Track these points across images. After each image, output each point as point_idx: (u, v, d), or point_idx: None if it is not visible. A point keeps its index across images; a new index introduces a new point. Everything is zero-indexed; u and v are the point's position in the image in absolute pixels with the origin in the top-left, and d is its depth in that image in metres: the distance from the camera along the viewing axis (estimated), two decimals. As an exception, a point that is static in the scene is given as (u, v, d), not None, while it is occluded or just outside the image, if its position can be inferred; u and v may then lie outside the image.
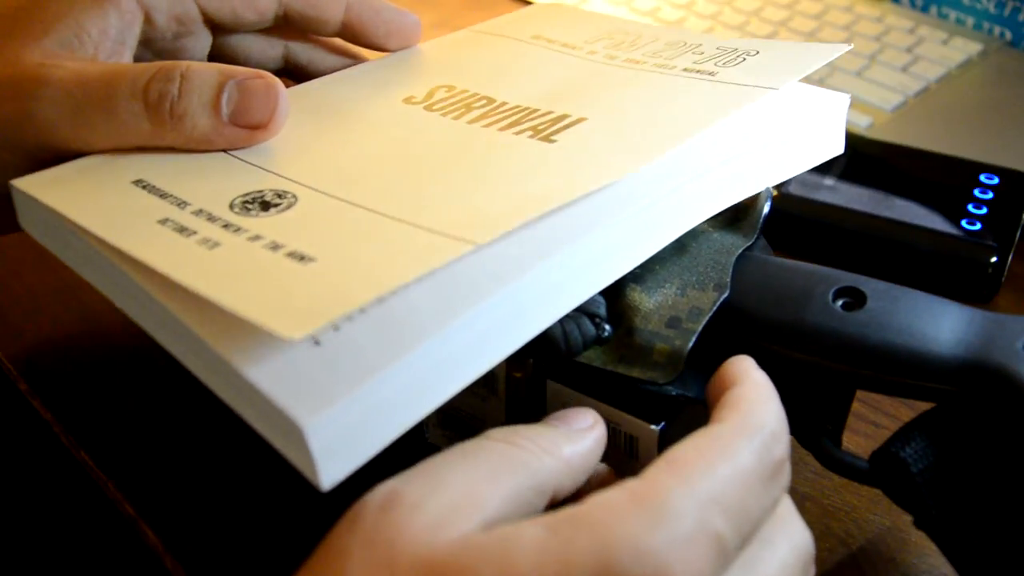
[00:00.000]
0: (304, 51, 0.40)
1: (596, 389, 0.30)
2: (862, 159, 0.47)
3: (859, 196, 0.45)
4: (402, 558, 0.21)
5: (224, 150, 0.31)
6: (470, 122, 0.33)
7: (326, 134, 0.33)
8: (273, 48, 0.39)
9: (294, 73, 0.40)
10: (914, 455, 0.27)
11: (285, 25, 0.38)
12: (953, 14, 0.63)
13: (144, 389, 0.38)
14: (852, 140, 0.36)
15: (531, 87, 0.35)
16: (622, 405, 0.29)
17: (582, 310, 0.29)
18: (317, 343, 0.23)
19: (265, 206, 0.28)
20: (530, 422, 0.32)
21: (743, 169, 0.31)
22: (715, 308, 0.29)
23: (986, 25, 0.62)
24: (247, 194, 0.29)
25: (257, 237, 0.26)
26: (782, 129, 0.33)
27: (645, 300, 0.30)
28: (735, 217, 0.32)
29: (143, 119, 0.30)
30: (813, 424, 0.29)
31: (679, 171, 0.30)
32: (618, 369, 0.29)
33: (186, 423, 0.37)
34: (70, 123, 0.30)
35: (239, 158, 0.31)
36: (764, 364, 0.30)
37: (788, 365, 0.29)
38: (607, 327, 0.29)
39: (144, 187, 0.29)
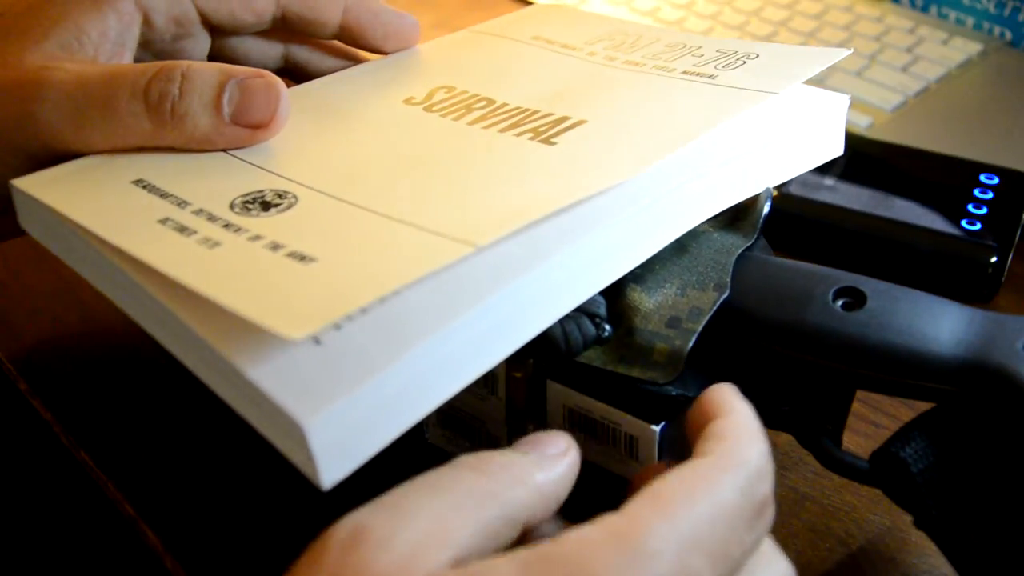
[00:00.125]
0: (303, 52, 0.40)
1: (596, 389, 0.30)
2: (862, 159, 0.47)
3: (859, 196, 0.45)
4: None
5: (225, 150, 0.31)
6: (470, 123, 0.33)
7: (326, 134, 0.33)
8: (272, 49, 0.39)
9: (294, 73, 0.40)
10: (914, 455, 0.27)
11: (283, 27, 0.38)
12: (953, 14, 0.63)
13: (144, 389, 0.38)
14: (852, 140, 0.36)
15: (531, 88, 0.35)
16: (622, 405, 0.29)
17: (582, 310, 0.29)
18: (318, 342, 0.23)
19: (265, 206, 0.28)
20: (530, 422, 0.32)
21: (743, 170, 0.31)
22: (715, 308, 0.29)
23: (986, 25, 0.62)
24: (247, 194, 0.29)
25: (257, 237, 0.26)
26: (782, 130, 0.33)
27: (645, 300, 0.30)
28: (735, 217, 0.32)
29: (144, 119, 0.30)
30: (813, 424, 0.29)
31: (679, 172, 0.30)
32: (618, 369, 0.29)
33: (186, 423, 0.37)
34: (71, 125, 0.30)
35: (239, 158, 0.31)
36: (764, 364, 0.30)
37: (788, 365, 0.29)
38: (607, 327, 0.29)
39: (144, 187, 0.29)
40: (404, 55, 0.40)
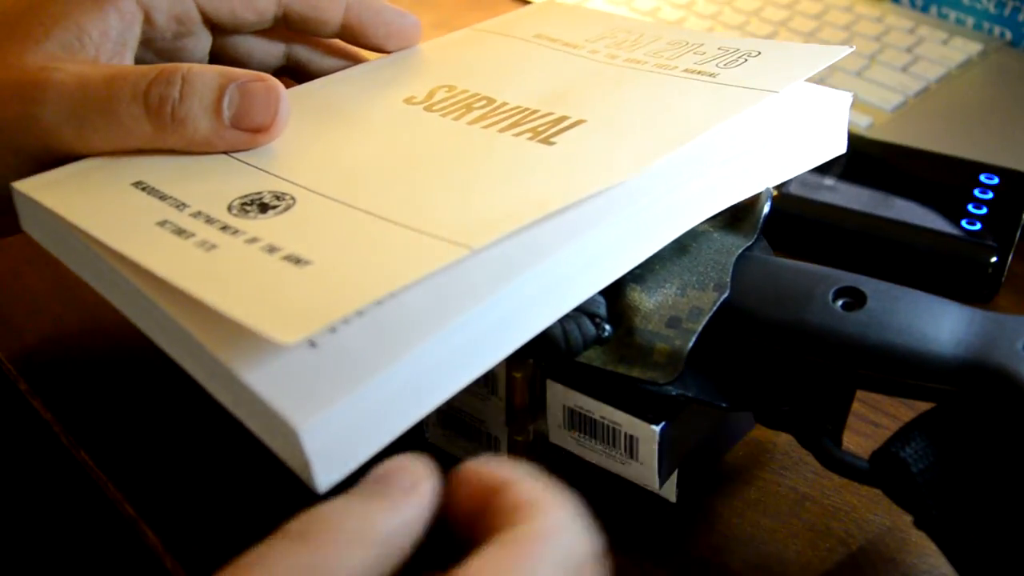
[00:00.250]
0: (304, 51, 0.39)
1: (596, 389, 0.30)
2: (862, 159, 0.47)
3: (859, 196, 0.45)
4: None
5: (225, 152, 0.31)
6: (470, 123, 0.33)
7: (326, 135, 0.33)
8: (274, 48, 0.39)
9: (295, 72, 0.40)
10: (914, 455, 0.27)
11: (285, 26, 0.38)
12: (953, 14, 0.63)
13: (144, 389, 0.38)
14: (852, 140, 0.36)
15: (532, 87, 0.35)
16: (622, 405, 0.29)
17: (582, 310, 0.29)
18: (313, 345, 0.23)
19: (263, 208, 0.28)
20: (530, 422, 0.32)
21: (744, 169, 0.31)
22: (715, 308, 0.29)
23: (986, 25, 0.62)
24: (246, 196, 0.29)
25: (254, 239, 0.26)
26: (783, 129, 0.33)
27: (645, 300, 0.30)
28: (735, 217, 0.32)
29: (144, 122, 0.30)
30: (813, 424, 0.29)
31: (678, 172, 0.30)
32: (618, 369, 0.29)
33: (186, 423, 0.37)
34: (72, 127, 0.30)
35: (239, 159, 0.31)
36: (764, 364, 0.30)
37: (788, 365, 0.29)
38: (607, 327, 0.29)
39: (144, 189, 0.29)
40: (405, 54, 0.39)
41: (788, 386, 0.29)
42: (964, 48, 0.59)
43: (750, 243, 0.31)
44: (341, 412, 0.22)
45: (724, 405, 0.30)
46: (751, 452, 0.35)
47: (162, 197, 0.29)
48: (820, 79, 0.35)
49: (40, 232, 0.31)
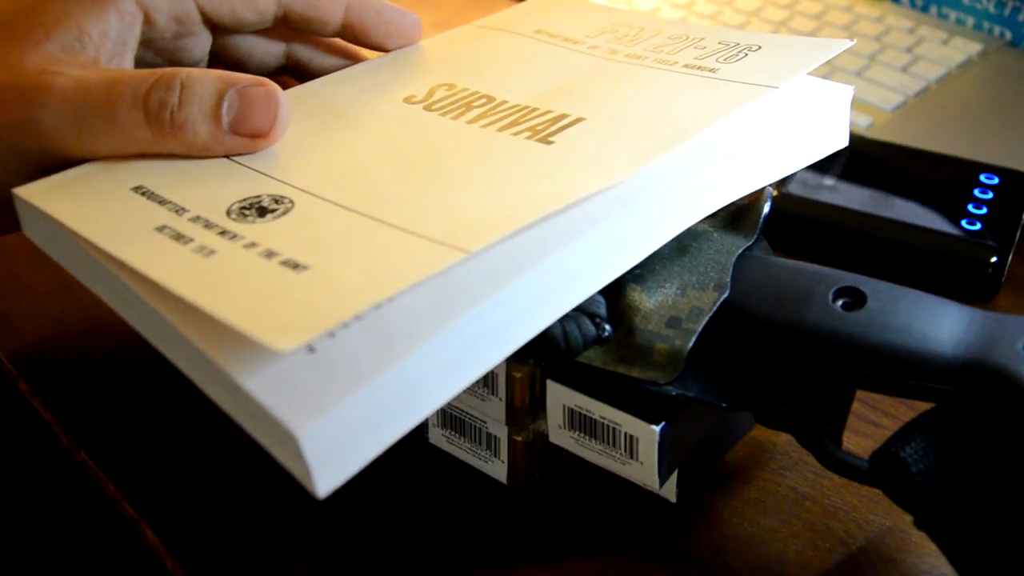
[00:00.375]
0: (305, 50, 0.40)
1: (596, 389, 0.30)
2: (862, 159, 0.47)
3: (859, 196, 0.45)
4: None
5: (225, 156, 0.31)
6: (469, 122, 0.33)
7: (326, 137, 0.33)
8: (274, 47, 0.39)
9: (295, 72, 0.40)
10: (914, 455, 0.27)
11: (285, 25, 0.38)
12: (953, 14, 0.63)
13: (144, 389, 0.38)
14: (852, 140, 0.36)
15: (531, 85, 0.35)
16: (622, 405, 0.29)
17: (582, 310, 0.29)
18: (312, 350, 0.23)
19: (262, 212, 0.28)
20: (530, 422, 0.32)
21: (745, 165, 0.31)
22: (715, 308, 0.29)
23: (986, 25, 0.62)
24: (245, 200, 0.29)
25: (253, 244, 0.26)
26: (785, 123, 0.33)
27: (645, 300, 0.30)
28: (735, 217, 0.32)
29: (143, 127, 0.30)
30: (813, 424, 0.29)
31: (679, 169, 0.29)
32: (618, 369, 0.29)
33: (186, 423, 0.37)
34: (73, 131, 0.30)
35: (238, 162, 0.31)
36: (764, 364, 0.30)
37: (788, 365, 0.29)
38: (607, 327, 0.29)
39: (143, 193, 0.29)
40: (405, 52, 0.39)
41: (788, 386, 0.29)
42: (964, 48, 0.59)
43: (750, 243, 0.31)
44: (340, 417, 0.22)
45: (724, 405, 0.30)
46: (751, 452, 0.35)
47: (161, 202, 0.29)
48: (820, 78, 0.35)
49: (41, 237, 0.31)
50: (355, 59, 0.40)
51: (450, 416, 0.34)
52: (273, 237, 0.27)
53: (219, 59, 0.38)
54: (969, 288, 0.42)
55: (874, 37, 0.60)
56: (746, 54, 0.35)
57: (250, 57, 0.39)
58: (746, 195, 0.32)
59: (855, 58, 0.58)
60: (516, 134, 0.32)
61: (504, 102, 0.34)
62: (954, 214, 0.44)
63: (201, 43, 0.37)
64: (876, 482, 0.28)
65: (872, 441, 0.35)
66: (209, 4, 0.35)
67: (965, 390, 0.27)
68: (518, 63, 0.38)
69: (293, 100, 0.33)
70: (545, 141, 0.31)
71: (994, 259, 0.42)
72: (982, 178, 0.46)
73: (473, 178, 0.29)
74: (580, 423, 0.31)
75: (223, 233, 0.27)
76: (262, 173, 0.30)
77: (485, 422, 0.33)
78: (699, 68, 0.35)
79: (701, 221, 0.31)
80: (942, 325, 0.28)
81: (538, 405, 0.32)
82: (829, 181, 0.46)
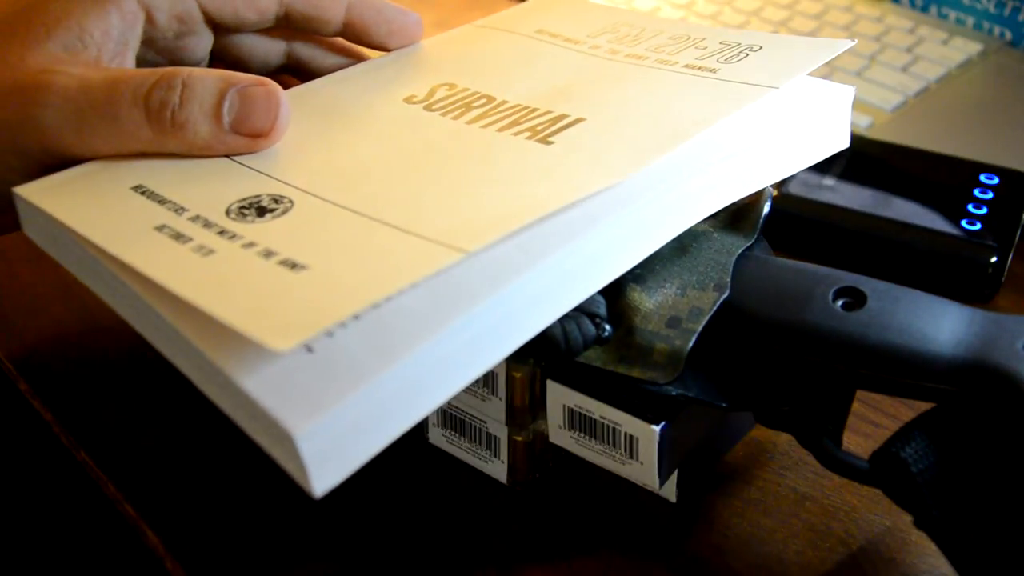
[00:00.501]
0: (306, 49, 0.39)
1: (596, 389, 0.30)
2: (862, 159, 0.47)
3: (859, 196, 0.45)
4: None
5: (226, 156, 0.31)
6: (469, 122, 0.33)
7: (326, 137, 0.33)
8: (275, 46, 0.39)
9: (297, 71, 0.40)
10: (914, 455, 0.27)
11: (287, 25, 0.38)
12: (953, 14, 0.63)
13: (144, 389, 0.38)
14: (852, 140, 0.36)
15: (532, 85, 0.35)
16: (622, 405, 0.29)
17: (582, 310, 0.29)
18: (310, 350, 0.23)
19: (261, 211, 0.28)
20: (530, 422, 0.32)
21: (745, 165, 0.31)
22: (715, 308, 0.29)
23: (986, 25, 0.62)
24: (244, 199, 0.29)
25: (251, 244, 0.26)
26: (785, 124, 0.33)
27: (645, 300, 0.30)
28: (735, 217, 0.32)
29: (144, 126, 0.30)
30: (813, 424, 0.29)
31: (679, 169, 0.29)
32: (618, 369, 0.29)
33: (186, 423, 0.37)
34: (74, 130, 0.30)
35: (239, 162, 0.31)
36: (764, 364, 0.30)
37: (788, 365, 0.29)
38: (607, 327, 0.29)
39: (143, 193, 0.29)
40: (406, 52, 0.39)
41: (788, 386, 0.29)
42: (964, 48, 0.59)
43: (750, 243, 0.31)
44: (338, 417, 0.22)
45: (724, 405, 0.30)
46: (751, 452, 0.35)
47: (161, 201, 0.29)
48: (820, 78, 0.35)
49: (41, 236, 0.31)
50: (357, 58, 0.40)
51: (450, 416, 0.34)
52: (272, 237, 0.27)
53: (220, 58, 0.38)
54: (969, 288, 0.42)
55: (874, 37, 0.60)
56: (747, 54, 0.35)
57: (251, 56, 0.39)
58: (746, 195, 0.32)
59: (855, 58, 0.58)
60: (516, 134, 0.32)
61: (504, 102, 0.34)
62: (954, 214, 0.44)
63: (203, 42, 0.37)
64: (876, 482, 0.28)
65: (872, 441, 0.35)
66: (211, 3, 0.35)
67: (965, 390, 0.27)
68: (519, 63, 0.38)
69: (294, 100, 0.33)
70: (545, 141, 0.31)
71: (994, 259, 0.42)
72: (982, 178, 0.46)
73: (473, 178, 0.29)
74: (580, 423, 0.31)
75: (222, 233, 0.27)
76: (262, 173, 0.30)
77: (485, 422, 0.33)
78: (700, 68, 0.35)
79: (701, 221, 0.31)
80: (942, 325, 0.28)
81: (538, 405, 0.32)
82: (829, 181, 0.46)
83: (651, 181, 0.29)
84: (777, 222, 0.34)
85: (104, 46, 0.33)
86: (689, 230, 0.31)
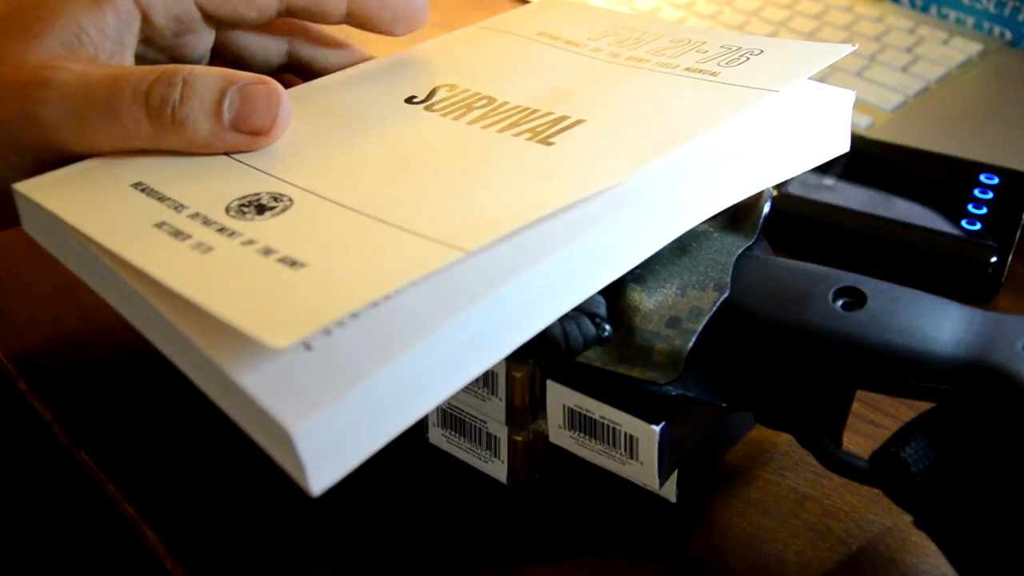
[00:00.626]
0: (308, 48, 0.39)
1: (596, 389, 0.30)
2: (862, 159, 0.47)
3: (859, 196, 0.45)
4: None
5: (226, 154, 0.31)
6: (470, 123, 0.33)
7: (326, 136, 0.33)
8: (277, 44, 0.39)
9: (298, 69, 0.40)
10: (914, 455, 0.27)
11: (288, 19, 0.37)
12: (953, 14, 0.63)
13: (144, 389, 0.38)
14: (852, 140, 0.36)
15: (533, 86, 0.35)
16: (622, 405, 0.29)
17: (582, 310, 0.29)
18: (308, 348, 0.23)
19: (261, 209, 0.28)
20: (530, 422, 0.32)
21: (745, 168, 0.31)
22: (715, 308, 0.29)
23: (986, 25, 0.62)
24: (243, 197, 0.29)
25: (250, 242, 0.27)
26: (785, 127, 0.33)
27: (645, 300, 0.30)
28: (735, 217, 0.32)
29: (145, 123, 0.30)
30: (813, 424, 0.29)
31: (678, 171, 0.29)
32: (618, 369, 0.29)
33: (186, 423, 0.37)
34: (73, 126, 0.30)
35: (238, 160, 0.31)
36: (764, 364, 0.30)
37: (788, 365, 0.29)
38: (607, 327, 0.29)
39: (143, 190, 0.29)
40: (408, 52, 0.39)
41: (788, 386, 0.29)
42: (964, 48, 0.59)
43: (750, 243, 0.31)
44: (335, 415, 0.22)
45: (724, 405, 0.30)
46: (751, 452, 0.35)
47: (161, 198, 0.29)
48: (820, 78, 0.35)
49: (40, 233, 0.31)
50: (359, 57, 0.40)
51: (450, 416, 0.34)
52: (271, 234, 0.27)
53: (221, 56, 0.38)
54: (969, 288, 0.42)
55: (874, 37, 0.60)
56: (748, 58, 0.35)
57: (252, 54, 0.39)
58: (745, 198, 0.32)
59: (855, 58, 0.58)
60: (517, 135, 0.32)
61: (505, 103, 0.34)
62: (954, 214, 0.44)
63: (202, 41, 0.37)
64: (876, 482, 0.28)
65: (872, 441, 0.35)
66: (209, 3, 0.35)
67: (965, 390, 0.27)
68: (520, 65, 0.38)
69: (294, 98, 0.33)
70: (545, 142, 0.31)
71: (994, 259, 0.42)
72: (982, 178, 0.46)
73: (472, 178, 0.29)
74: (580, 423, 0.31)
75: (221, 230, 0.27)
76: (262, 171, 0.30)
77: (485, 422, 0.33)
78: (700, 71, 0.35)
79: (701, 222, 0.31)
80: (942, 325, 0.28)
81: (538, 405, 0.32)
82: (829, 181, 0.46)
83: (651, 182, 0.29)
84: (777, 222, 0.34)
85: (101, 44, 0.33)
86: (689, 230, 0.31)
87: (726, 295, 0.30)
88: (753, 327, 0.29)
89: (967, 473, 0.27)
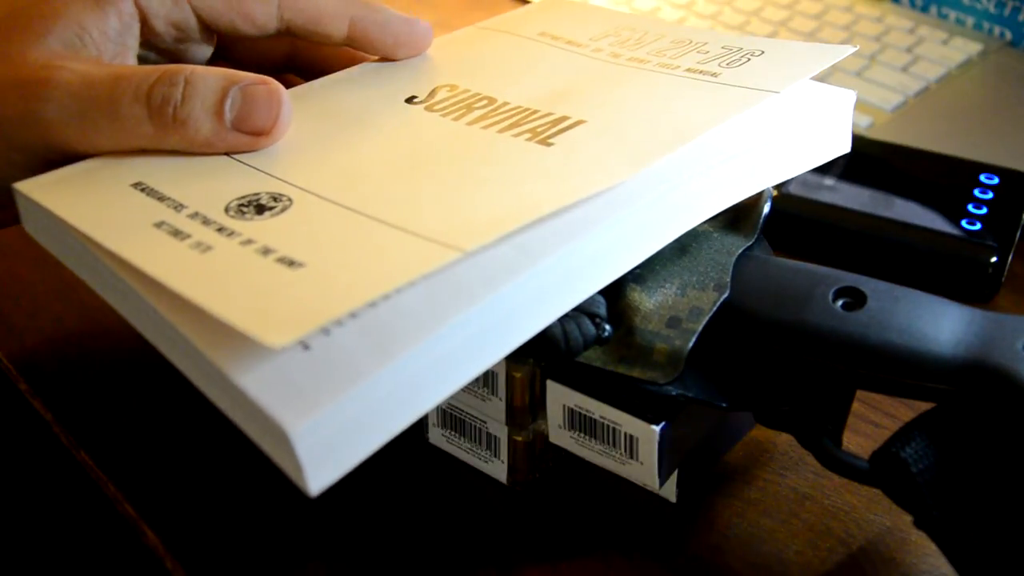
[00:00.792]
0: (310, 47, 0.39)
1: (596, 389, 0.30)
2: (862, 159, 0.47)
3: (859, 196, 0.45)
4: None
5: (226, 154, 0.31)
6: (470, 123, 0.33)
7: (326, 136, 0.33)
8: (280, 45, 0.39)
9: (300, 69, 0.40)
10: (914, 455, 0.27)
11: (288, 36, 0.37)
12: (953, 14, 0.63)
13: (144, 389, 0.38)
14: (852, 140, 0.36)
15: (533, 87, 0.35)
16: (622, 405, 0.29)
17: (582, 310, 0.29)
18: (307, 347, 0.23)
19: (260, 209, 0.28)
20: (530, 422, 0.32)
21: (745, 168, 0.31)
22: (715, 308, 0.29)
23: (986, 25, 0.62)
24: (243, 197, 0.29)
25: (249, 241, 0.27)
26: (787, 128, 0.33)
27: (645, 300, 0.30)
28: (735, 217, 0.32)
29: (146, 123, 0.30)
30: (813, 424, 0.29)
31: (677, 173, 0.29)
32: (618, 369, 0.29)
33: (186, 423, 0.37)
34: (76, 126, 0.30)
35: (239, 160, 0.31)
36: (764, 364, 0.30)
37: (788, 365, 0.29)
38: (607, 327, 0.29)
39: (143, 190, 0.29)
40: None
41: (788, 386, 0.29)
42: (964, 48, 0.59)
43: (750, 243, 0.31)
44: (333, 415, 0.22)
45: (724, 405, 0.30)
46: (751, 452, 0.35)
47: (160, 198, 0.29)
48: (820, 79, 0.35)
49: (40, 232, 0.31)
50: (361, 57, 0.40)
51: (450, 416, 0.34)
52: (270, 234, 0.27)
53: (223, 55, 0.38)
54: (969, 288, 0.42)
55: (874, 37, 0.60)
56: (749, 59, 0.35)
57: (255, 55, 0.39)
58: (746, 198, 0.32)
59: (855, 58, 0.58)
60: (517, 136, 0.32)
61: (506, 104, 0.34)
62: (954, 214, 0.44)
63: (203, 46, 0.37)
64: (876, 482, 0.28)
65: (872, 441, 0.35)
66: (208, 15, 0.35)
67: (965, 390, 0.27)
68: (521, 65, 0.38)
69: (295, 99, 0.33)
70: (545, 143, 0.31)
71: (994, 259, 0.42)
72: (982, 178, 0.46)
73: (472, 179, 0.29)
74: (580, 423, 0.31)
75: (221, 230, 0.27)
76: (262, 171, 0.30)
77: (485, 422, 0.33)
78: (701, 72, 0.35)
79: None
80: (942, 325, 0.28)
81: (538, 405, 0.32)
82: (829, 181, 0.46)
83: (651, 183, 0.29)
84: (777, 222, 0.34)
85: (103, 46, 0.33)
86: (689, 230, 0.31)
87: (726, 295, 0.30)
88: (753, 327, 0.29)
89: (967, 473, 0.27)
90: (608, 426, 0.30)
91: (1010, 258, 0.42)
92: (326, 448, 0.22)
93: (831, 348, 0.28)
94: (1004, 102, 0.55)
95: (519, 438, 0.32)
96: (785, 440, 0.35)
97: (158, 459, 0.36)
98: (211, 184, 0.30)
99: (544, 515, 0.33)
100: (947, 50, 0.59)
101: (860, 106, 0.53)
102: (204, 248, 0.26)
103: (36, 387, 0.39)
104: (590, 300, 0.29)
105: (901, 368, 0.27)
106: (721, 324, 0.29)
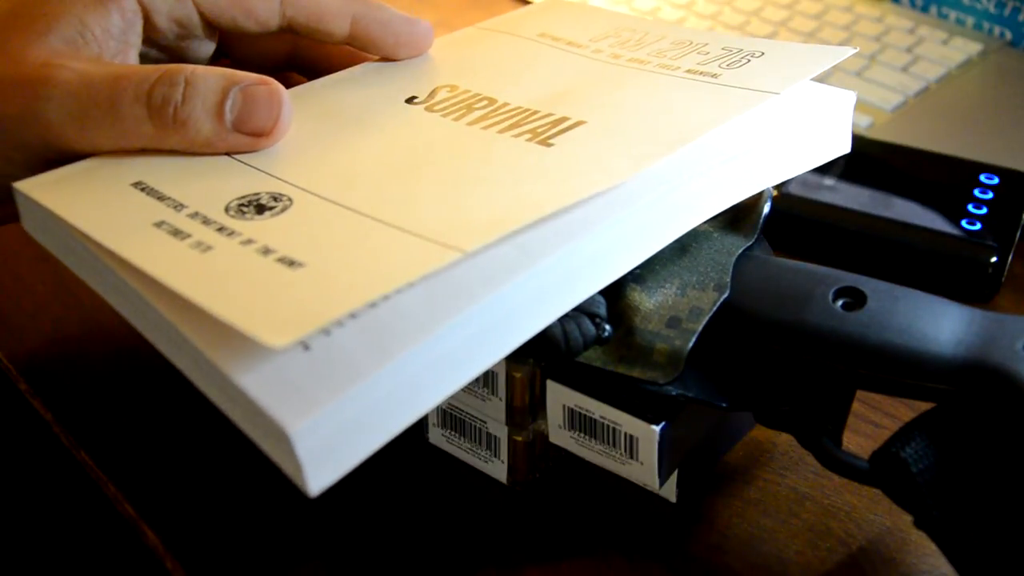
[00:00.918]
0: (312, 47, 0.39)
1: (596, 389, 0.30)
2: (862, 159, 0.47)
3: (859, 196, 0.45)
4: None
5: (227, 154, 0.31)
6: (470, 124, 0.33)
7: (327, 136, 0.33)
8: (282, 43, 0.39)
9: (302, 68, 0.40)
10: (914, 455, 0.27)
11: (290, 33, 0.37)
12: (953, 14, 0.63)
13: (144, 389, 0.38)
14: (852, 140, 0.36)
15: (533, 88, 0.35)
16: (622, 405, 0.29)
17: (582, 310, 0.29)
18: (307, 347, 0.23)
19: (260, 209, 0.28)
20: (530, 422, 0.32)
21: (745, 169, 0.31)
22: (715, 308, 0.29)
23: (986, 25, 0.62)
24: (243, 196, 0.29)
25: (249, 241, 0.27)
26: (786, 128, 0.33)
27: (645, 300, 0.30)
28: (735, 217, 0.32)
29: (146, 123, 0.30)
30: (813, 424, 0.29)
31: (678, 172, 0.29)
32: (618, 369, 0.29)
33: (186, 423, 0.37)
34: (76, 125, 0.30)
35: (239, 160, 0.31)
36: (764, 364, 0.30)
37: (788, 365, 0.29)
38: (607, 327, 0.29)
39: (143, 189, 0.29)
40: None
41: (788, 386, 0.29)
42: (964, 48, 0.59)
43: (750, 243, 0.31)
44: (333, 415, 0.22)
45: (724, 405, 0.30)
46: (751, 452, 0.35)
47: (160, 198, 0.29)
48: (820, 79, 0.35)
49: (40, 232, 0.31)
50: (362, 57, 0.40)
51: (450, 416, 0.34)
52: (270, 234, 0.27)
53: (225, 53, 0.38)
54: (969, 288, 0.42)
55: (874, 37, 0.60)
56: (749, 60, 0.35)
57: (256, 54, 0.39)
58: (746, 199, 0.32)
59: (855, 58, 0.58)
60: (517, 136, 0.32)
61: (506, 104, 0.34)
62: (954, 214, 0.44)
63: (205, 43, 0.37)
64: (876, 482, 0.28)
65: (872, 441, 0.35)
66: (210, 12, 0.35)
67: (965, 390, 0.27)
68: (521, 66, 0.38)
69: (296, 99, 0.33)
70: (545, 143, 0.31)
71: (994, 259, 0.42)
72: (982, 178, 0.46)
73: (472, 179, 0.29)
74: (580, 423, 0.31)
75: (221, 230, 0.27)
76: (262, 171, 0.30)
77: (485, 422, 0.33)
78: (701, 73, 0.35)
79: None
80: (942, 325, 0.28)
81: (538, 405, 0.32)
82: (829, 181, 0.46)
83: (651, 183, 0.29)
84: (777, 222, 0.34)
85: (105, 43, 0.33)
86: (689, 230, 0.31)
87: (726, 295, 0.30)
88: (753, 327, 0.29)
89: (967, 473, 0.27)
90: (608, 426, 0.30)
91: (1010, 258, 0.42)
92: (326, 448, 0.22)
93: (831, 348, 0.28)
94: (1004, 102, 0.55)
95: (519, 438, 0.32)
96: (785, 440, 0.35)
97: (158, 459, 0.36)
98: (211, 184, 0.30)
99: (544, 515, 0.33)
100: (947, 50, 0.59)
101: (860, 106, 0.53)
102: (204, 248, 0.26)
103: (36, 387, 0.39)
104: (590, 300, 0.29)
105: (901, 368, 0.27)
106: (721, 324, 0.29)
